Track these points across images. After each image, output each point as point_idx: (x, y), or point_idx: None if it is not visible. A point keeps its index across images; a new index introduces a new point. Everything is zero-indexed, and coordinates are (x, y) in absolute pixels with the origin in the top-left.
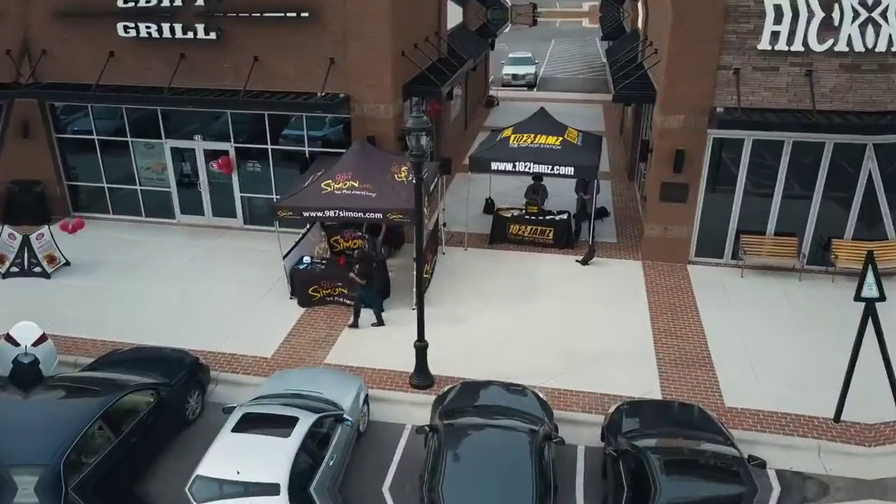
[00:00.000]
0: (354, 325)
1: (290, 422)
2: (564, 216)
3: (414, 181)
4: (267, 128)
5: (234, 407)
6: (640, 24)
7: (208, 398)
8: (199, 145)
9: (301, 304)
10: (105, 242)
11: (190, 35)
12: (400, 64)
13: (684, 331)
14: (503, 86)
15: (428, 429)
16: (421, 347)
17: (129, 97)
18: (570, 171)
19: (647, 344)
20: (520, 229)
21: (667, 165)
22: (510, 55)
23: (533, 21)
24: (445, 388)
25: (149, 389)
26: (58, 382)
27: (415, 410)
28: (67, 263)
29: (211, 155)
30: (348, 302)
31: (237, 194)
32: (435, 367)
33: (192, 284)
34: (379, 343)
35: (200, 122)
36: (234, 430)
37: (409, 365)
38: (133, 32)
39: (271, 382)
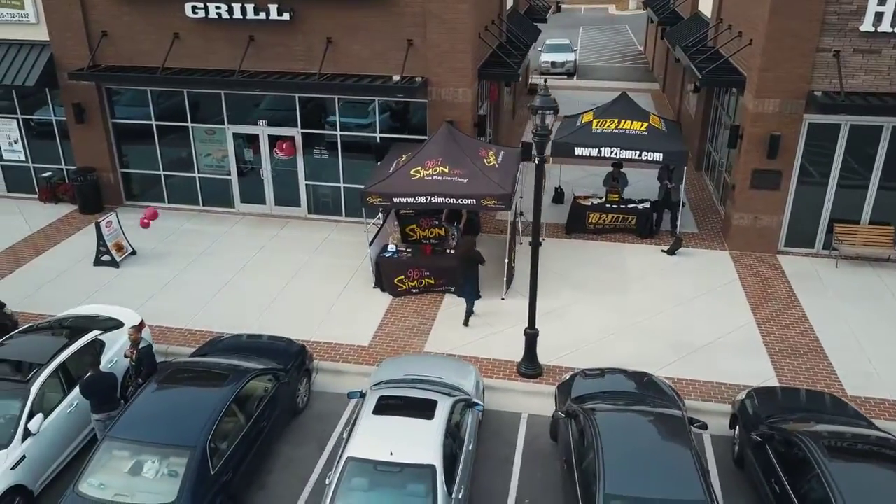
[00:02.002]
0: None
1: (430, 405)
2: (646, 205)
3: (536, 163)
4: (337, 113)
5: (360, 392)
6: (710, 8)
7: (312, 386)
8: (264, 131)
9: (387, 292)
10: (165, 232)
11: (262, 16)
12: (477, 47)
13: (788, 321)
14: (541, 74)
15: (565, 415)
16: (532, 335)
17: (196, 80)
18: (658, 157)
19: (752, 334)
20: (600, 218)
21: (759, 152)
22: (547, 42)
23: (557, 7)
24: (567, 377)
25: (268, 375)
26: (186, 367)
27: (527, 399)
28: (134, 252)
29: (276, 141)
30: (435, 291)
31: (302, 182)
32: (539, 356)
33: (267, 274)
34: (475, 332)
35: (265, 106)
36: (375, 412)
37: (509, 354)
38: (202, 13)
39: (386, 369)
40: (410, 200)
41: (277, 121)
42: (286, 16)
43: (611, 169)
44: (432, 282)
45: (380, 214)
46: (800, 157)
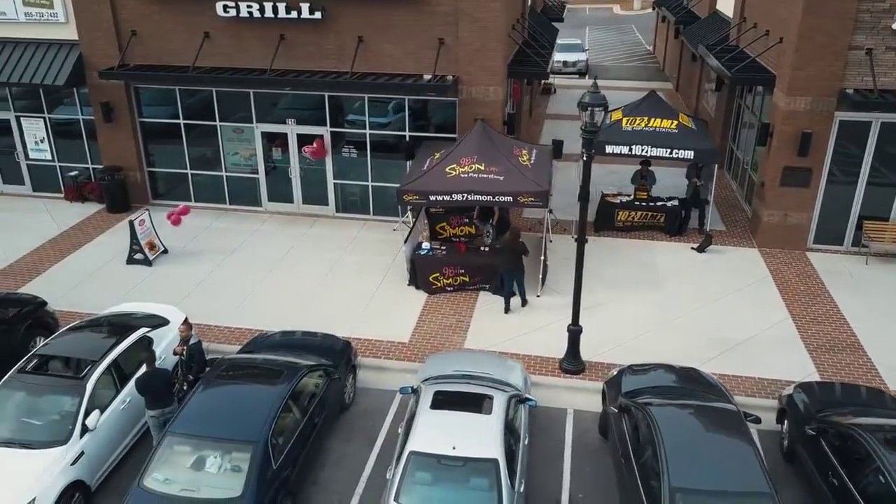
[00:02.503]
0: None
1: (487, 400)
2: (675, 202)
3: (585, 159)
4: (366, 111)
5: (410, 388)
6: (732, 7)
7: (356, 383)
8: (293, 129)
9: (421, 290)
10: (194, 230)
11: (293, 15)
12: (507, 45)
13: (824, 317)
14: (552, 73)
15: (618, 410)
16: (575, 332)
17: (227, 79)
18: (689, 154)
19: (789, 330)
20: (629, 216)
21: (789, 149)
22: (558, 41)
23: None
24: (614, 372)
25: (319, 371)
26: (240, 363)
27: (571, 395)
28: (165, 251)
29: (304, 140)
30: (469, 289)
31: (330, 181)
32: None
33: (301, 272)
34: (513, 329)
35: (294, 105)
36: (433, 407)
37: (549, 351)
38: (233, 12)
39: (433, 365)
40: (447, 198)
41: (306, 120)
42: (318, 14)
43: (638, 167)
44: (467, 279)
45: (409, 213)
46: (830, 155)
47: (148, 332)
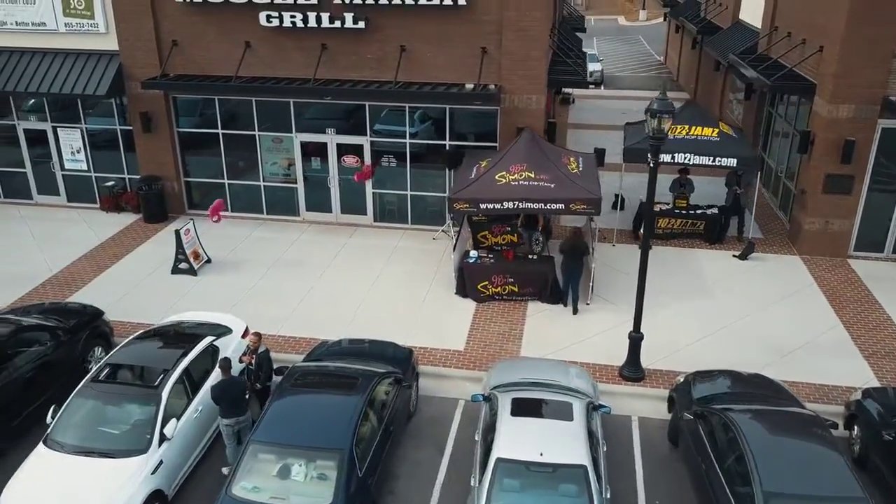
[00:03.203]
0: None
1: (566, 406)
2: (715, 210)
3: (651, 165)
4: (407, 120)
5: (482, 395)
6: (759, 17)
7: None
8: (332, 139)
9: (469, 298)
10: (234, 240)
11: (336, 24)
12: (548, 54)
13: (874, 323)
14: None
15: (693, 416)
16: (636, 339)
17: (269, 89)
18: (732, 162)
19: (842, 336)
20: (669, 223)
21: (832, 157)
22: None
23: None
24: (680, 380)
25: (390, 378)
26: (314, 371)
27: (633, 403)
28: (209, 261)
29: (344, 149)
30: (517, 299)
31: (369, 190)
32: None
33: (348, 280)
34: (567, 336)
35: (333, 115)
36: (513, 414)
37: (606, 358)
38: (275, 22)
39: (500, 372)
40: (497, 206)
41: (346, 129)
42: (361, 24)
43: (676, 175)
44: (516, 289)
45: (449, 221)
46: (872, 162)
47: (214, 340)
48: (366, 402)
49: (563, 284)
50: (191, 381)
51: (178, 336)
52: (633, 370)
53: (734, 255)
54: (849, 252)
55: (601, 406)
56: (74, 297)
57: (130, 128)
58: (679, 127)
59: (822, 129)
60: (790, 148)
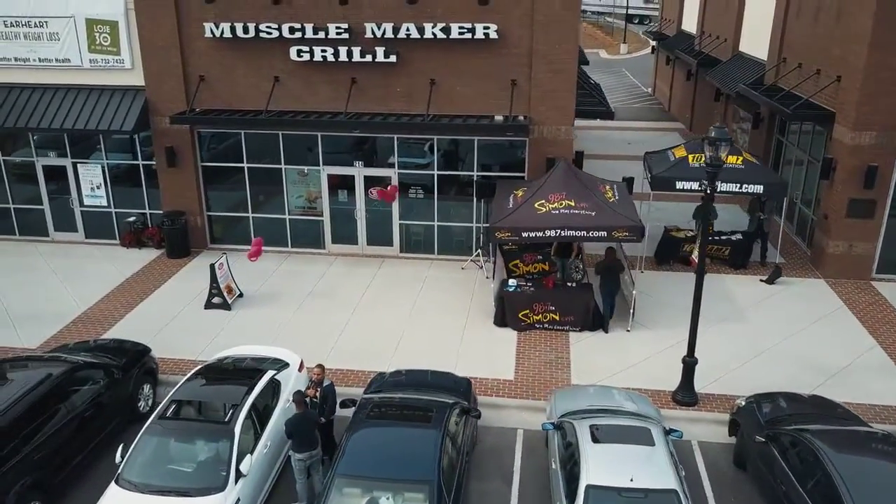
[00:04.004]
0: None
1: (645, 431)
2: (739, 236)
3: (706, 192)
4: (435, 152)
5: (552, 423)
6: (765, 48)
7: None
8: (360, 172)
9: (510, 327)
10: (263, 274)
11: (367, 58)
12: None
13: None
14: None
15: (765, 439)
16: (690, 364)
17: (298, 122)
18: (759, 189)
19: (881, 356)
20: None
21: (854, 182)
22: None
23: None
24: (741, 402)
25: (457, 409)
26: (387, 403)
27: (691, 426)
28: (241, 295)
29: (371, 181)
30: (558, 328)
31: (395, 222)
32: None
33: (384, 312)
34: (614, 363)
35: (361, 147)
36: (594, 441)
37: (655, 383)
38: (306, 56)
39: (563, 401)
40: (539, 234)
41: (373, 162)
42: (393, 58)
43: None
44: (557, 317)
45: (479, 250)
46: (893, 187)
47: (275, 374)
48: (445, 433)
49: (602, 307)
50: (258, 416)
51: (239, 371)
52: (687, 394)
53: (761, 280)
54: (872, 275)
55: (673, 430)
56: (108, 335)
57: (152, 163)
58: (703, 155)
59: (844, 156)
60: (805, 175)
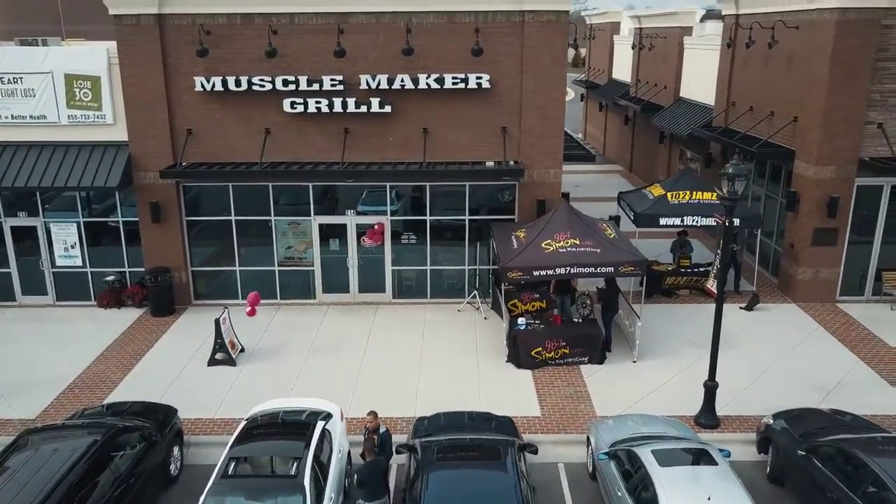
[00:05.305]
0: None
1: (706, 453)
2: (714, 267)
3: (724, 223)
4: (428, 198)
5: (605, 453)
6: (711, 94)
7: None
8: (352, 220)
9: (521, 366)
10: (258, 327)
11: (362, 109)
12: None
13: (889, 357)
14: None
15: (804, 453)
16: (711, 387)
17: (292, 173)
18: (736, 221)
19: (866, 371)
20: (675, 280)
21: (818, 213)
22: None
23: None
24: (769, 420)
25: (515, 444)
26: (448, 446)
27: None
28: (243, 350)
29: (363, 229)
30: (569, 362)
31: (388, 268)
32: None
33: (394, 358)
34: (631, 393)
35: (353, 195)
36: (661, 465)
37: (674, 409)
38: (300, 108)
39: (606, 432)
40: (550, 272)
41: (366, 210)
42: (387, 108)
43: (675, 238)
44: (568, 352)
45: (474, 293)
46: (850, 216)
47: (325, 425)
48: (517, 469)
49: (605, 333)
50: (320, 468)
51: (289, 424)
52: (709, 417)
53: (741, 307)
54: (836, 297)
55: (722, 450)
56: (110, 398)
57: (132, 219)
58: (681, 192)
59: (808, 189)
60: (763, 208)
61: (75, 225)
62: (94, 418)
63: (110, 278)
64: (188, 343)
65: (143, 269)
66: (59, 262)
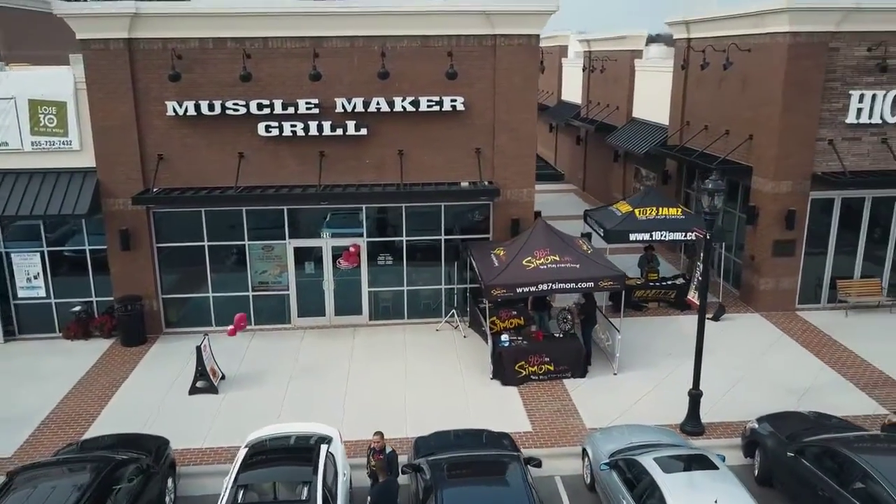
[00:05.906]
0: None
1: (706, 458)
2: (682, 280)
3: (704, 236)
4: (404, 220)
5: (607, 463)
6: (666, 114)
7: None
8: (328, 242)
9: (506, 382)
10: (235, 353)
11: (338, 132)
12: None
13: (850, 361)
14: None
15: (795, 453)
16: (696, 395)
17: (267, 197)
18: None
19: (832, 374)
20: (644, 293)
21: (777, 225)
22: None
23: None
24: (754, 424)
25: (520, 458)
26: (458, 463)
27: None
28: (223, 377)
29: (339, 252)
30: (552, 377)
31: (364, 290)
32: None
33: (377, 379)
34: (617, 404)
35: (327, 219)
36: (665, 471)
37: (659, 418)
38: (275, 132)
39: (604, 443)
40: (533, 289)
41: (341, 232)
42: (363, 131)
43: (642, 253)
44: (551, 368)
45: (452, 312)
46: (806, 227)
47: (329, 448)
48: (527, 482)
49: (586, 347)
50: (328, 491)
51: (292, 449)
52: (695, 424)
53: (708, 317)
54: (795, 305)
55: (717, 455)
56: (90, 432)
57: (100, 247)
58: (649, 209)
59: (766, 203)
60: (721, 222)
61: (38, 255)
62: (89, 452)
63: (77, 308)
64: (165, 372)
65: (111, 298)
66: (20, 293)
